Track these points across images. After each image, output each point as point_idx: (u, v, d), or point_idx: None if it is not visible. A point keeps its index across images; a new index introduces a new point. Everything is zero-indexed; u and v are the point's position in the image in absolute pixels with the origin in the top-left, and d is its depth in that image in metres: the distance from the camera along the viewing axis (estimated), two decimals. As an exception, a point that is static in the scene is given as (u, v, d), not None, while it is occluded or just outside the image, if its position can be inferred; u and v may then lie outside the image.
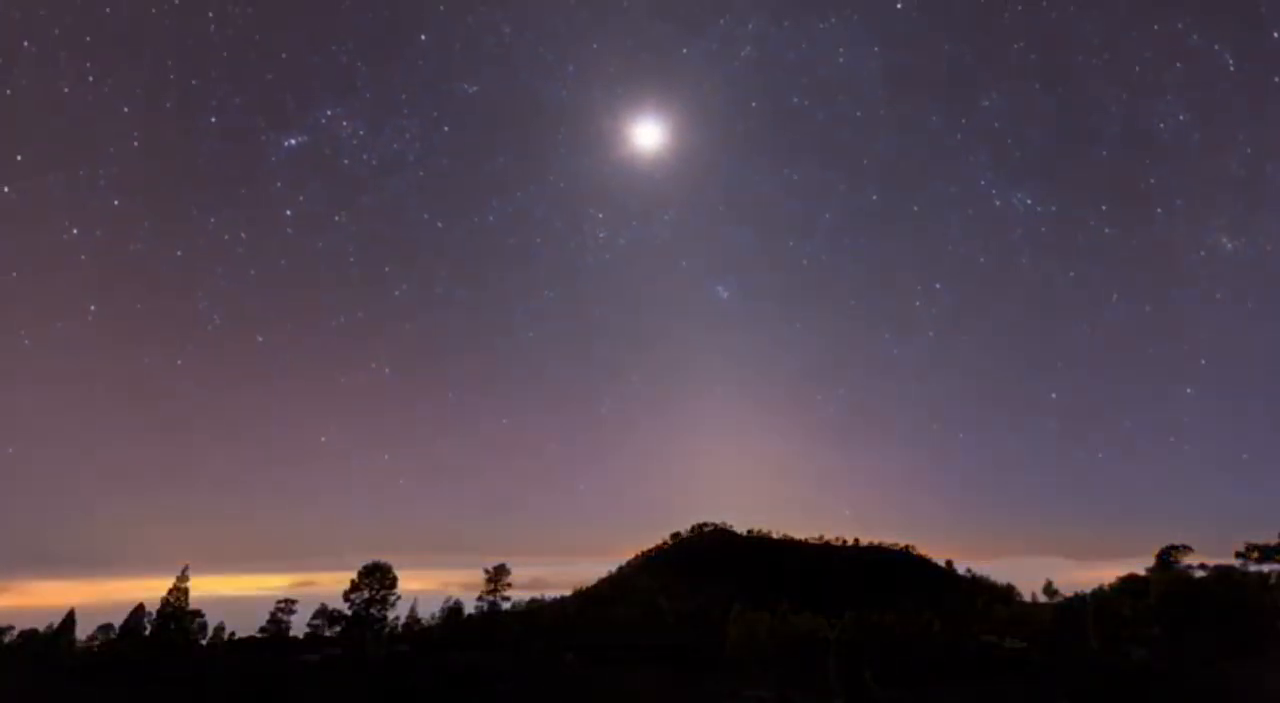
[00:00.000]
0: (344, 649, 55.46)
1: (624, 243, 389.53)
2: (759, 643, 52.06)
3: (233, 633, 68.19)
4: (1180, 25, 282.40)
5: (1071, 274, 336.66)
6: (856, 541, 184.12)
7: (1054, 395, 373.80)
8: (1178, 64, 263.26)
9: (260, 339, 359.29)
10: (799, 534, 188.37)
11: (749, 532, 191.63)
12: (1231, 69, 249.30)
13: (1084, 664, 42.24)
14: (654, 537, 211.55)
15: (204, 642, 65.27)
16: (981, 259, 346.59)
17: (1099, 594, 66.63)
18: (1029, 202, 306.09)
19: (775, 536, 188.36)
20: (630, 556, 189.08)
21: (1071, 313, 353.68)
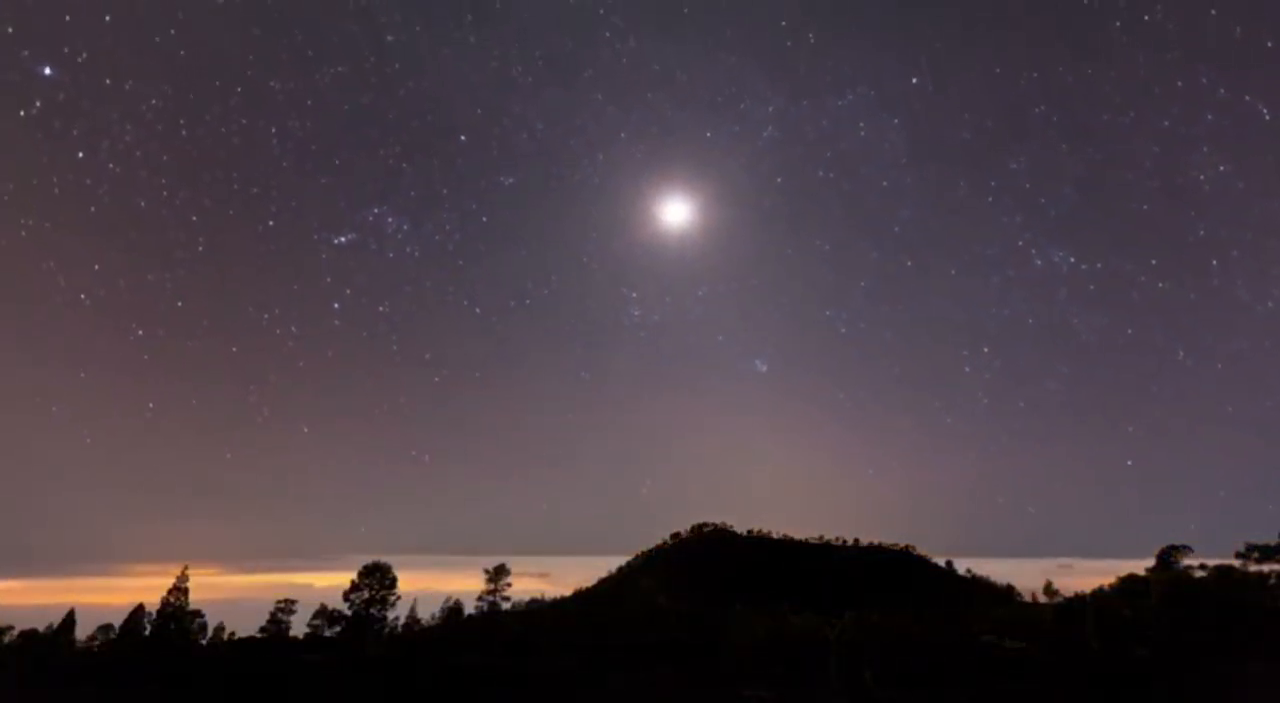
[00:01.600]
0: (344, 649, 55.45)
1: (658, 320, 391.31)
2: (759, 643, 52.05)
3: (233, 633, 68.18)
4: (1205, 80, 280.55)
5: (1130, 332, 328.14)
6: (856, 541, 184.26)
7: (1130, 463, 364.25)
8: (1209, 116, 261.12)
9: (306, 430, 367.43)
10: (799, 534, 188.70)
11: (749, 532, 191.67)
12: (1267, 117, 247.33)
13: (1084, 664, 42.22)
14: (654, 537, 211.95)
15: (204, 642, 65.25)
16: (1030, 321, 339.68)
17: (1099, 594, 66.63)
18: (1072, 260, 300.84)
19: (775, 536, 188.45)
20: (630, 556, 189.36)
21: (1137, 373, 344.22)
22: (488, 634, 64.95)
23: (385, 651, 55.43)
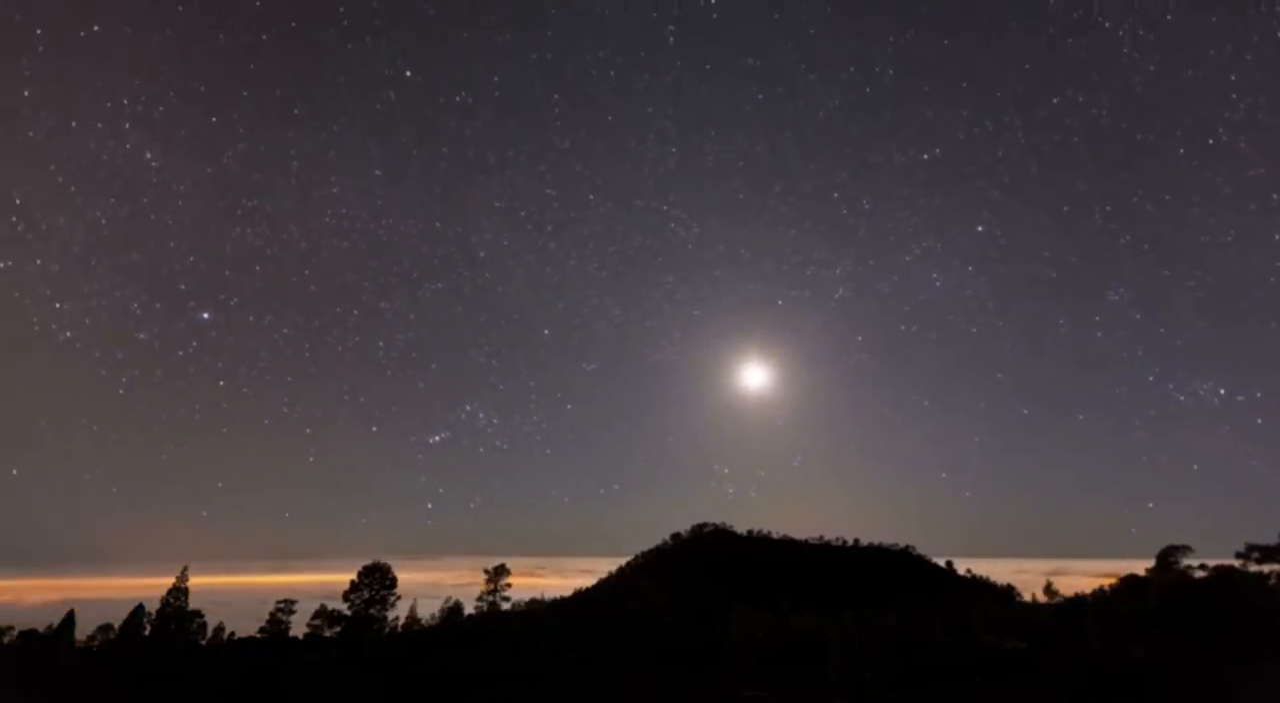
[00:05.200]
0: (344, 649, 55.44)
1: (755, 497, 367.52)
2: (759, 643, 52.03)
3: (233, 633, 68.18)
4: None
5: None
6: (856, 541, 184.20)
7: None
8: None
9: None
10: (799, 534, 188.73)
11: (749, 532, 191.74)
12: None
13: (1084, 665, 42.21)
14: (654, 537, 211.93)
15: (204, 642, 65.25)
16: (1195, 467, 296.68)
17: (1099, 594, 66.61)
18: (1222, 391, 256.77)
19: (775, 536, 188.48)
20: (630, 556, 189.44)
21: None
22: (488, 634, 64.98)
23: (385, 651, 55.43)
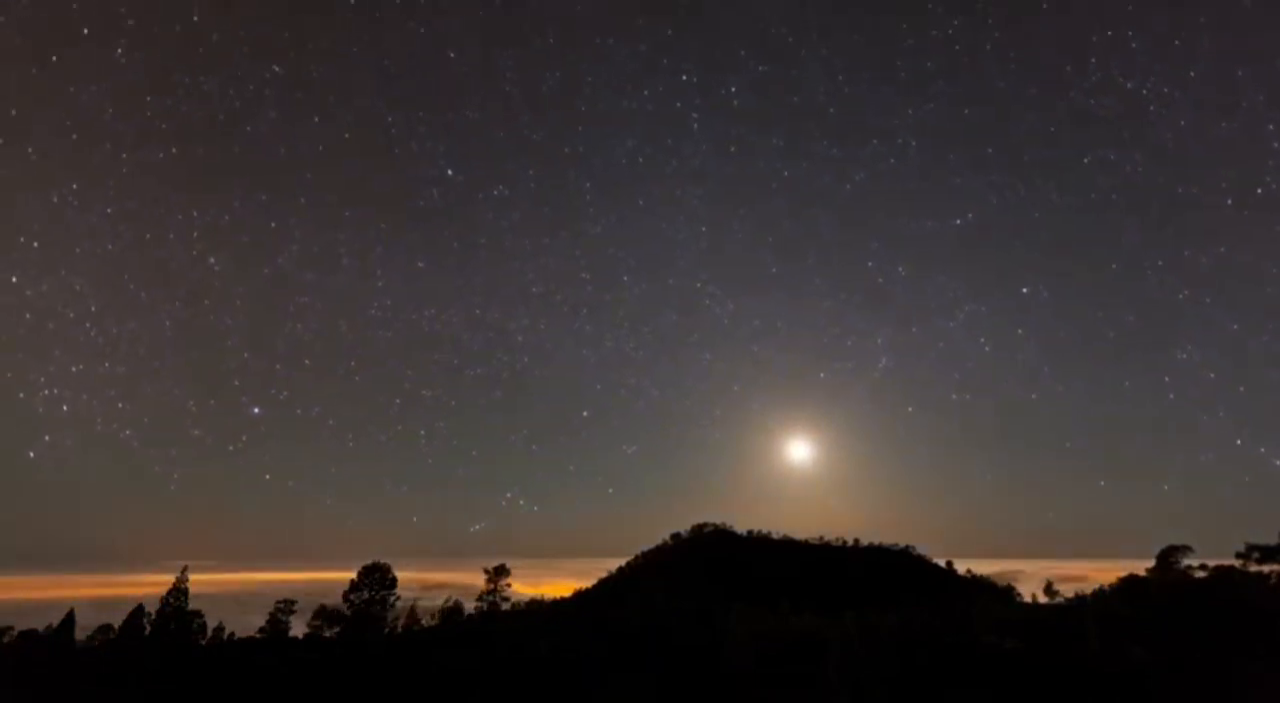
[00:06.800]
0: (344, 649, 55.43)
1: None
2: (759, 643, 52.01)
3: (233, 633, 68.18)
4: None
5: None
6: (856, 541, 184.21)
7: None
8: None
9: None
10: (799, 534, 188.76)
11: (749, 532, 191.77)
12: None
13: (1084, 664, 42.19)
14: (654, 537, 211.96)
15: (204, 642, 65.24)
16: None
17: (1099, 594, 66.59)
18: None
19: (775, 536, 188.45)
20: (630, 556, 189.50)
21: None
22: (488, 634, 64.96)
23: (385, 651, 55.43)
